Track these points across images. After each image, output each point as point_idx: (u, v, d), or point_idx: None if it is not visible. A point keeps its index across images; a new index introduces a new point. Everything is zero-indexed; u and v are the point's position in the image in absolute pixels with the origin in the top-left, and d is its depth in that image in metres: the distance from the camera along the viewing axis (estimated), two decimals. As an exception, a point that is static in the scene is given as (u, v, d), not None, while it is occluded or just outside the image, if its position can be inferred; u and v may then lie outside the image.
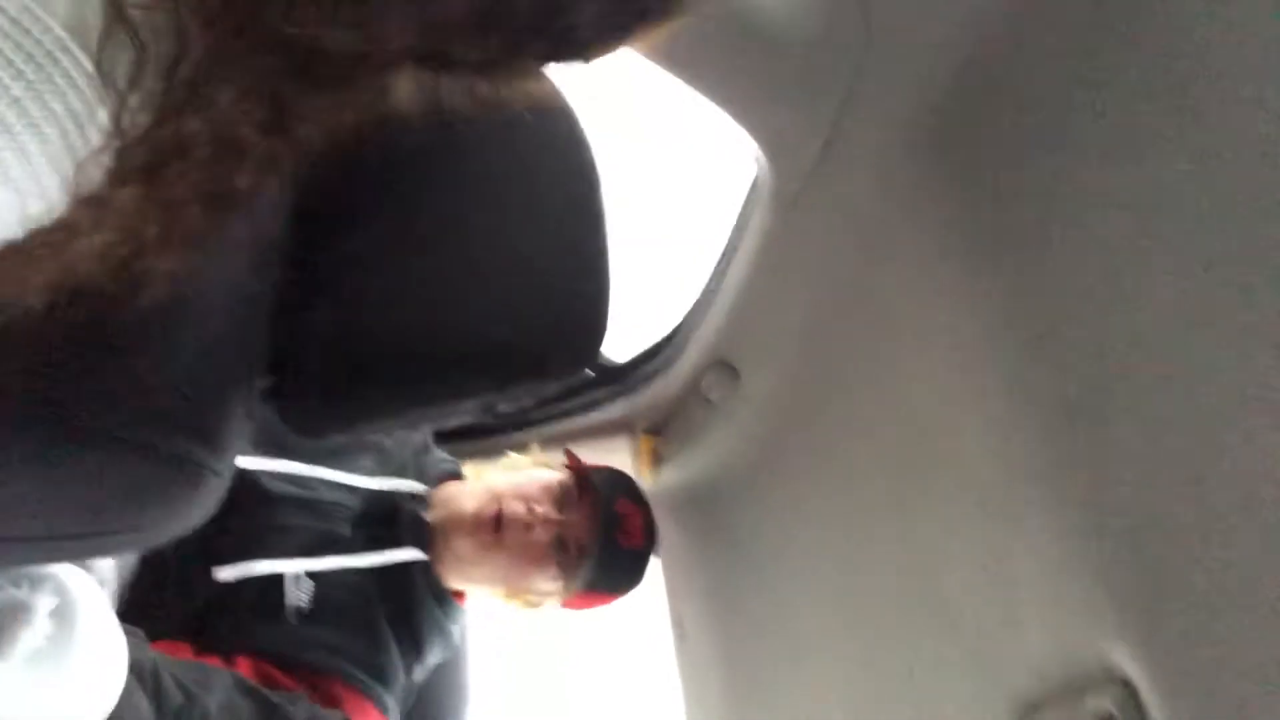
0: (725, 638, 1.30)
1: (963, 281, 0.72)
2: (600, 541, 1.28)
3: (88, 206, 0.31)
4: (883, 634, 0.88)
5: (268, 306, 0.63)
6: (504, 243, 0.66)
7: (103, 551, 0.61)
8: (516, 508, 1.28)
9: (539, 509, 1.28)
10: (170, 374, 0.53)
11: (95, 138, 0.28)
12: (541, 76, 0.66)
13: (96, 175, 0.30)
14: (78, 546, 0.56)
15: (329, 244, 0.65)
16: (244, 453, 1.20)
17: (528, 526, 1.27)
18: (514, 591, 1.34)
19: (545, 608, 1.36)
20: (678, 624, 1.47)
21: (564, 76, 0.72)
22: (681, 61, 0.74)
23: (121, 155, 0.30)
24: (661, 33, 0.44)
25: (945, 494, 0.75)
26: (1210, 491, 0.51)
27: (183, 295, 0.52)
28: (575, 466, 1.37)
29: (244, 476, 1.20)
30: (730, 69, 0.74)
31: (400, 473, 1.37)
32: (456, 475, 1.41)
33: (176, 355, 0.53)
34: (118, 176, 0.31)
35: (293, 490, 1.25)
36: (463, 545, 1.28)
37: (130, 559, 1.12)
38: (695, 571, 1.41)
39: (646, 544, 1.36)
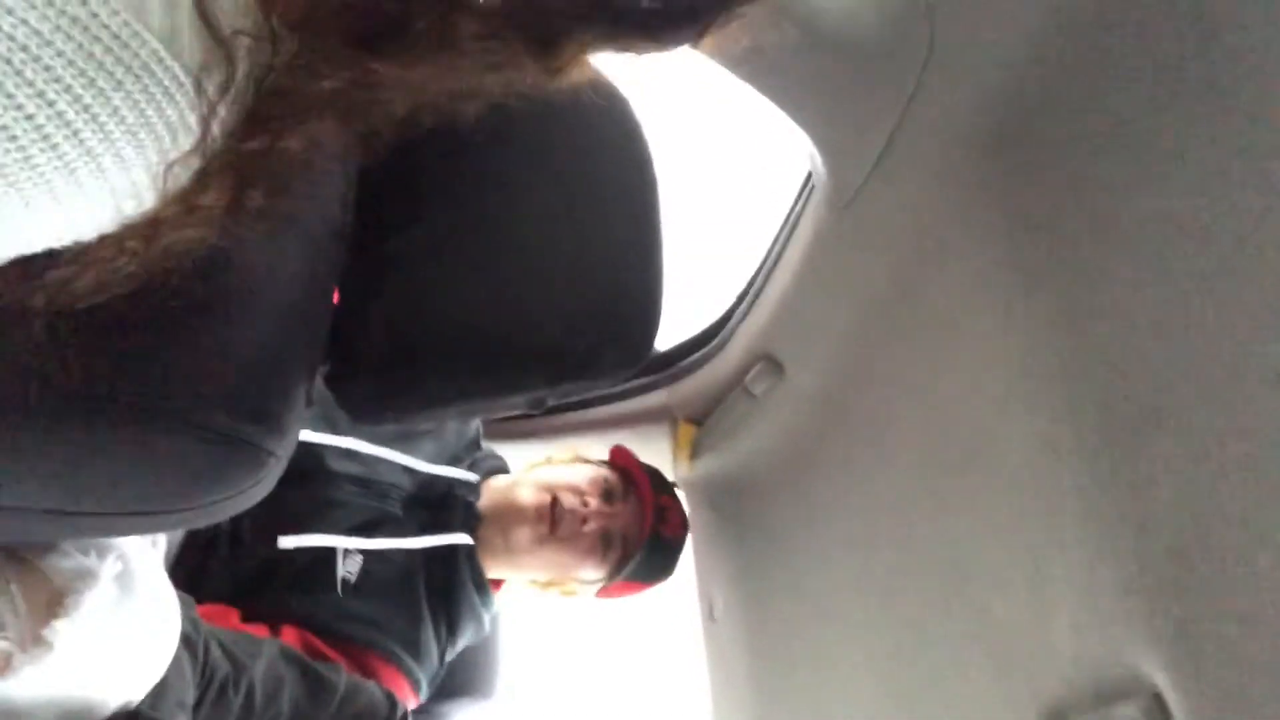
0: (754, 624, 1.32)
1: (1015, 292, 0.72)
2: (648, 534, 1.33)
3: (177, 204, 0.33)
4: (912, 633, 0.89)
5: (330, 296, 0.65)
6: (560, 240, 0.67)
7: (161, 528, 0.63)
8: (572, 501, 1.32)
9: (592, 502, 1.33)
10: (235, 359, 0.54)
11: (186, 143, 0.30)
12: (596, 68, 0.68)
13: (185, 177, 0.32)
14: (138, 523, 0.58)
15: (390, 235, 0.66)
16: (310, 428, 1.24)
17: (582, 520, 1.32)
18: (557, 581, 1.37)
19: (580, 596, 1.41)
20: (707, 608, 1.49)
21: (618, 71, 0.74)
22: (743, 62, 0.74)
23: (212, 161, 0.32)
24: (730, 28, 0.44)
25: (984, 500, 0.76)
26: (1255, 510, 0.52)
27: (251, 282, 0.54)
28: (624, 461, 1.41)
29: (308, 449, 1.24)
30: (793, 72, 0.75)
31: (455, 462, 1.42)
32: (504, 470, 1.46)
33: (242, 340, 0.54)
34: (205, 180, 0.33)
35: (353, 468, 1.29)
36: (518, 536, 1.32)
37: (181, 524, 1.16)
38: (727, 558, 1.42)
39: (684, 535, 1.40)
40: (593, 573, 1.35)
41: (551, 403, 0.73)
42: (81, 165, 0.26)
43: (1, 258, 0.30)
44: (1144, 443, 0.60)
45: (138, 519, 0.56)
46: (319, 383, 0.69)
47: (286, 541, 1.19)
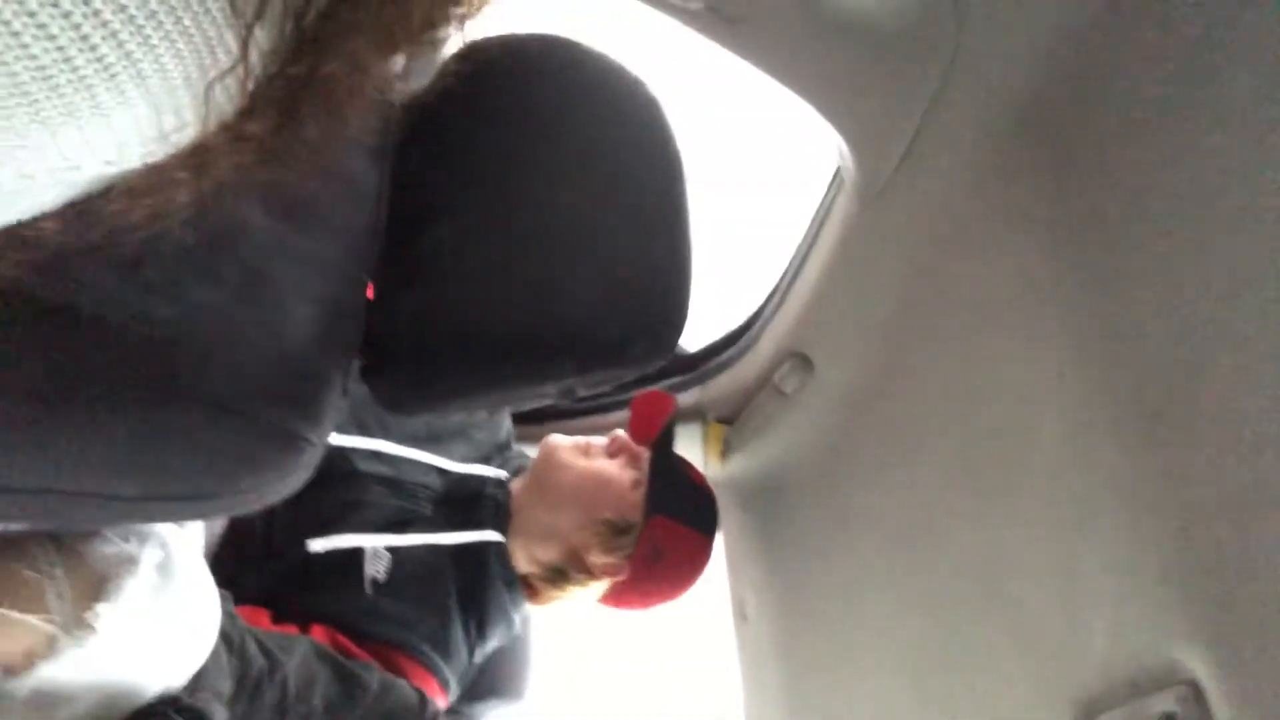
0: (787, 623, 1.31)
1: (1048, 280, 0.72)
2: (659, 459, 1.35)
3: (223, 131, 0.33)
4: (946, 628, 0.88)
5: (365, 289, 0.67)
6: (588, 228, 0.68)
7: (201, 515, 0.65)
8: (599, 441, 1.39)
9: (618, 448, 1.38)
10: (276, 347, 0.55)
11: (225, 61, 0.30)
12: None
13: (227, 102, 0.32)
14: (175, 509, 0.59)
15: (421, 229, 0.67)
16: (340, 431, 1.26)
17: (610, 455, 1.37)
18: (590, 517, 1.34)
19: (594, 587, 1.38)
20: (739, 608, 1.49)
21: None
22: (768, 56, 0.75)
23: (255, 87, 0.33)
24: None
25: (1018, 492, 0.76)
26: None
27: (291, 272, 0.55)
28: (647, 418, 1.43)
29: (338, 452, 1.26)
30: (819, 65, 0.75)
31: (485, 462, 1.43)
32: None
33: (282, 329, 0.55)
34: (250, 106, 0.33)
35: (380, 469, 1.30)
36: (558, 458, 1.35)
37: (216, 528, 1.17)
38: (759, 557, 1.42)
39: (706, 486, 1.41)
40: (628, 475, 1.34)
41: (582, 392, 0.74)
42: (121, 69, 0.27)
43: (55, 196, 0.31)
44: (1181, 429, 0.60)
45: (178, 504, 0.57)
46: (352, 380, 0.69)
47: (316, 544, 1.20)
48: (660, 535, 1.32)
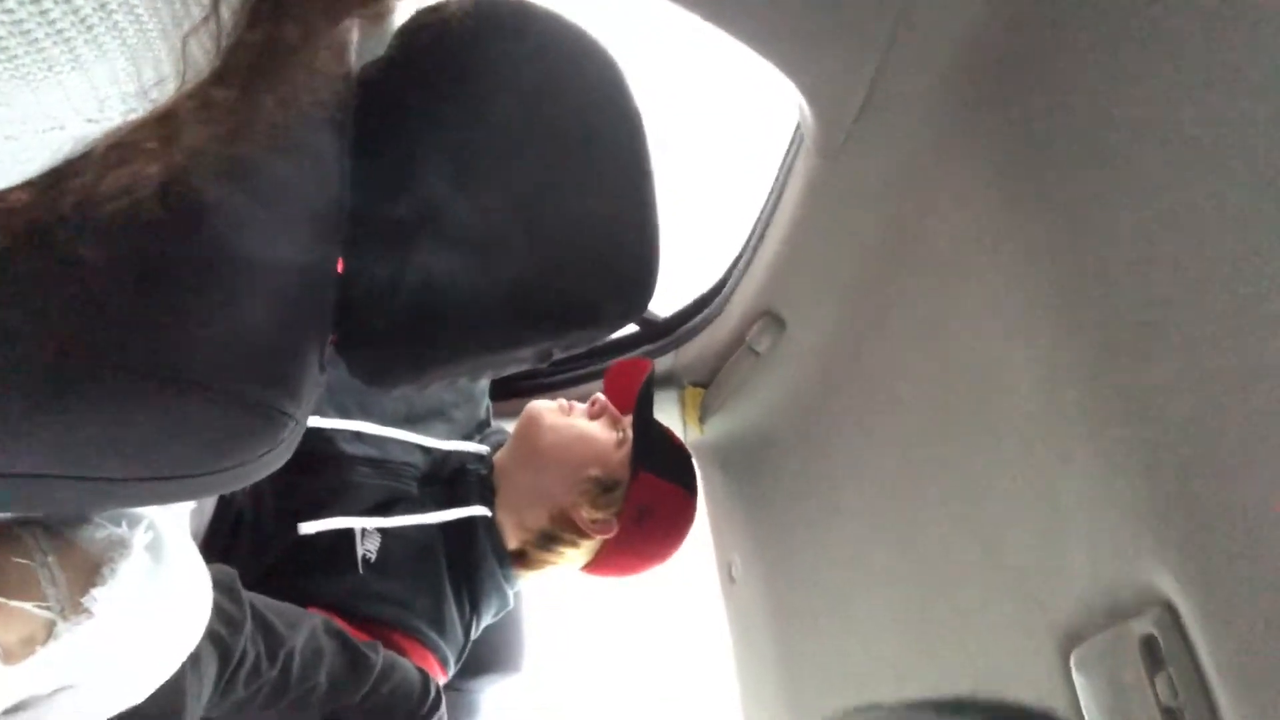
0: (773, 581, 1.33)
1: (1009, 222, 0.73)
2: (641, 417, 1.37)
3: (192, 98, 0.34)
4: (929, 571, 0.90)
5: (335, 263, 0.67)
6: (554, 191, 0.68)
7: (187, 494, 0.65)
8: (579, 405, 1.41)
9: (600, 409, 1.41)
10: (249, 324, 0.55)
11: (196, 12, 0.30)
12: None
13: (203, 62, 0.33)
14: (162, 488, 0.59)
15: (388, 202, 0.67)
16: (321, 414, 1.26)
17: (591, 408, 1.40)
18: (577, 475, 1.35)
19: (603, 521, 1.37)
20: (725, 570, 1.51)
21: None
22: (722, 11, 0.75)
23: (224, 51, 0.33)
24: None
25: (991, 431, 0.77)
26: (1258, 419, 0.52)
27: (259, 249, 0.55)
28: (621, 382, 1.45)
29: (320, 435, 1.26)
30: (773, 18, 0.75)
31: (466, 439, 1.44)
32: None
33: (254, 306, 0.55)
34: (218, 73, 0.34)
35: (365, 450, 1.31)
36: (542, 421, 1.37)
37: (205, 516, 1.17)
38: (742, 519, 1.44)
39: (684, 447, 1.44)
40: (612, 435, 1.37)
41: (559, 355, 0.74)
42: (97, 20, 0.27)
43: (40, 160, 0.31)
44: (1145, 360, 0.61)
45: (162, 484, 0.57)
46: (329, 362, 0.70)
47: (307, 527, 1.20)
48: (647, 492, 1.34)
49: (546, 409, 1.39)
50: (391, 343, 0.71)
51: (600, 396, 1.41)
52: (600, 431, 1.37)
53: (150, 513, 0.66)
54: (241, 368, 0.54)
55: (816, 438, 1.18)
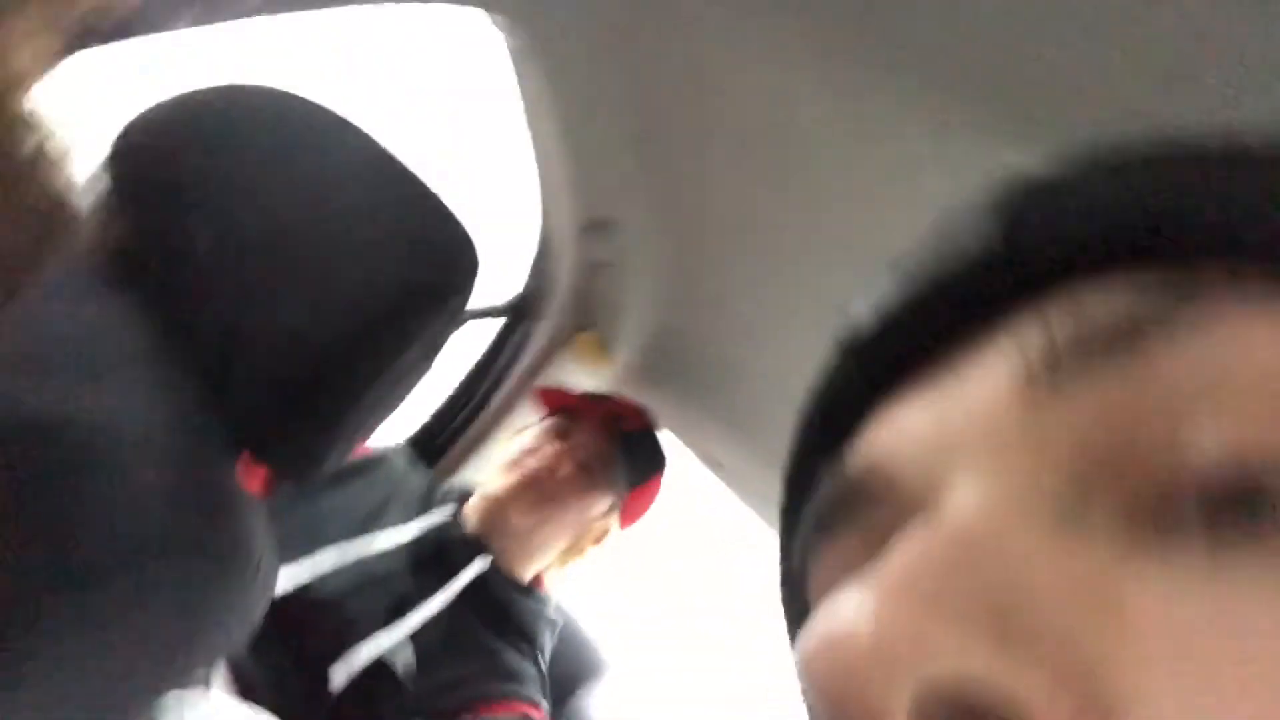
0: (751, 455, 1.38)
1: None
2: (616, 438, 1.38)
3: None
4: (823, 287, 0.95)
5: (196, 391, 0.65)
6: (339, 210, 0.68)
7: (193, 663, 0.63)
8: (533, 462, 1.37)
9: (550, 449, 1.37)
10: (145, 490, 0.54)
11: None
12: None
13: None
14: (165, 673, 0.57)
15: (201, 312, 0.66)
16: (292, 561, 1.22)
17: (552, 470, 1.36)
18: (578, 532, 1.40)
19: (610, 534, 1.44)
20: (713, 463, 1.53)
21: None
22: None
23: None
24: None
25: (807, 162, 0.82)
26: None
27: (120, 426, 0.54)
28: (553, 402, 1.45)
29: (303, 592, 1.23)
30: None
31: (425, 511, 1.42)
32: (469, 491, 1.47)
33: (139, 472, 0.54)
34: None
35: (346, 580, 1.28)
36: (517, 523, 1.35)
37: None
38: (694, 411, 1.46)
39: (647, 418, 1.45)
40: (599, 502, 1.38)
41: (444, 338, 0.75)
42: None
43: None
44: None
45: (166, 668, 0.56)
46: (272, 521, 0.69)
47: (338, 677, 1.18)
48: (637, 499, 1.45)
49: (518, 514, 1.36)
50: (293, 419, 0.70)
51: (568, 472, 1.39)
52: (586, 505, 1.39)
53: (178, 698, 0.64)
54: (167, 537, 0.53)
55: (707, 289, 1.20)
